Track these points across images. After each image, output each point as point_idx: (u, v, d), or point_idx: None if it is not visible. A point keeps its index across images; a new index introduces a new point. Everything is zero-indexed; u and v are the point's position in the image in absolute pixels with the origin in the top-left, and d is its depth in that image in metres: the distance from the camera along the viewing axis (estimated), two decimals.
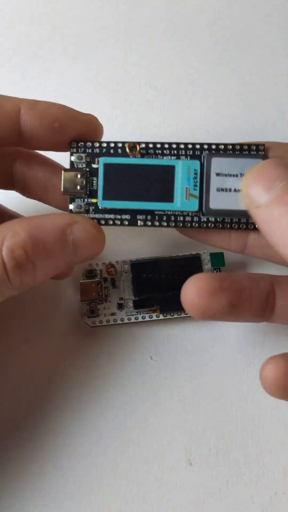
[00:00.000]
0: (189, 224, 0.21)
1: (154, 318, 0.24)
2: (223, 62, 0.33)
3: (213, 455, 0.23)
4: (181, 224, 0.21)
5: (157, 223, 0.21)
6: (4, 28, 0.34)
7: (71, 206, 0.21)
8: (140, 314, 0.24)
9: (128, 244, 0.27)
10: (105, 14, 0.34)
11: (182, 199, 0.20)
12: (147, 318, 0.24)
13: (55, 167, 0.23)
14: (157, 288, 0.24)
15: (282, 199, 0.17)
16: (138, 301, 0.24)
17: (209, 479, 0.23)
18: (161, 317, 0.24)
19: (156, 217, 0.21)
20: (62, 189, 0.21)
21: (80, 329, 0.25)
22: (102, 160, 0.21)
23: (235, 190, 0.20)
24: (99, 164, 0.21)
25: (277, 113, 0.31)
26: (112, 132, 0.30)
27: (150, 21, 0.34)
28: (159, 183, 0.20)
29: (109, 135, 0.30)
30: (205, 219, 0.21)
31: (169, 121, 0.30)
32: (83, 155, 0.21)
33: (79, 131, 0.21)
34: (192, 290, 0.19)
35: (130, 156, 0.21)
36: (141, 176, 0.21)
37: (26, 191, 0.24)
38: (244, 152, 0.21)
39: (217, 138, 0.30)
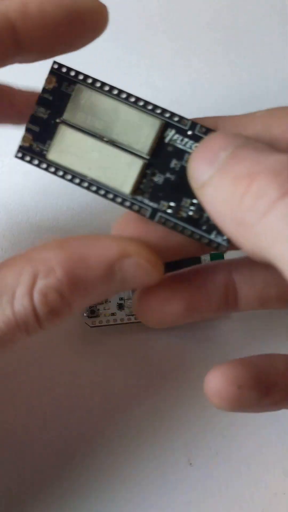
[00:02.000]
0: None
1: None
2: (223, 62, 0.33)
3: (213, 455, 0.23)
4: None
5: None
6: None
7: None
8: None
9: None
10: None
11: None
12: None
13: None
14: None
15: (226, 169, 0.14)
16: None
17: (209, 479, 0.23)
18: None
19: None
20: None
21: (80, 329, 0.25)
22: None
23: None
24: None
25: None
26: None
27: (150, 21, 0.34)
28: None
29: None
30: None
31: None
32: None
33: (85, 25, 0.16)
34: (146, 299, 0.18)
35: None
36: None
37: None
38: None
39: None
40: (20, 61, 0.18)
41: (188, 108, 0.31)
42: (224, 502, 0.22)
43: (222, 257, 0.25)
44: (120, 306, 0.24)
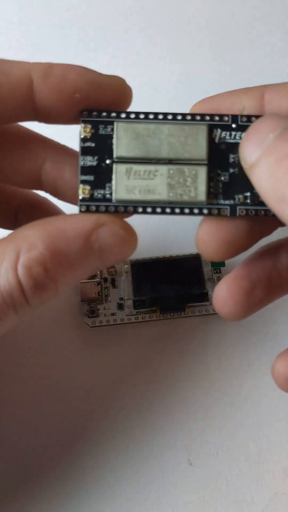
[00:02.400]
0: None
1: (154, 318, 0.24)
2: (223, 62, 0.33)
3: (213, 455, 0.23)
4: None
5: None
6: (4, 28, 0.34)
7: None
8: (140, 314, 0.24)
9: None
10: (105, 14, 0.34)
11: None
12: (147, 318, 0.24)
13: None
14: (157, 288, 0.24)
15: (273, 149, 0.15)
16: (138, 301, 0.24)
17: (209, 479, 0.23)
18: (161, 317, 0.24)
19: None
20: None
21: (80, 329, 0.25)
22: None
23: None
24: None
25: None
26: None
27: (150, 21, 0.34)
28: None
29: None
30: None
31: None
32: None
33: (104, 100, 0.17)
34: (226, 300, 0.18)
35: None
36: None
37: (58, 194, 0.21)
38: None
39: None
40: (39, 120, 0.18)
41: (188, 108, 0.31)
42: (224, 502, 0.22)
43: (222, 261, 0.25)
44: (120, 306, 0.24)
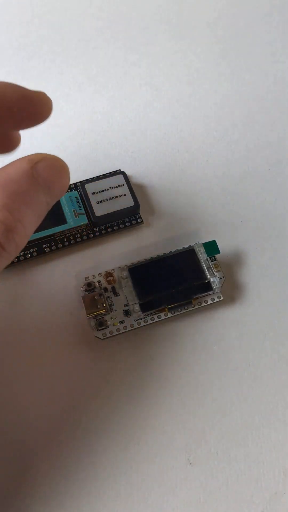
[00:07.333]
0: (85, 237, 0.26)
1: (163, 317, 0.24)
2: (223, 62, 0.33)
3: (213, 455, 0.23)
4: (80, 240, 0.26)
5: (60, 245, 0.26)
6: (4, 28, 0.34)
7: None
8: (148, 316, 0.24)
9: (120, 249, 0.27)
10: (105, 14, 0.34)
11: (73, 218, 0.26)
12: (156, 319, 0.24)
13: None
14: (159, 287, 0.24)
15: None
16: (144, 304, 0.24)
17: (209, 479, 0.23)
18: (169, 314, 0.24)
19: (58, 240, 0.26)
20: None
21: (93, 343, 0.24)
22: None
23: (110, 198, 0.27)
24: None
25: (277, 112, 0.31)
26: (112, 132, 0.30)
27: (150, 21, 0.34)
28: (51, 214, 0.22)
29: (109, 134, 0.30)
30: (97, 230, 0.26)
31: (169, 121, 0.30)
32: None
33: (31, 111, 0.20)
34: None
35: None
36: None
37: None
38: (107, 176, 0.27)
39: (217, 138, 0.30)
40: None
41: (188, 108, 0.31)
42: (224, 502, 0.22)
43: (215, 243, 0.25)
44: (127, 313, 0.24)
